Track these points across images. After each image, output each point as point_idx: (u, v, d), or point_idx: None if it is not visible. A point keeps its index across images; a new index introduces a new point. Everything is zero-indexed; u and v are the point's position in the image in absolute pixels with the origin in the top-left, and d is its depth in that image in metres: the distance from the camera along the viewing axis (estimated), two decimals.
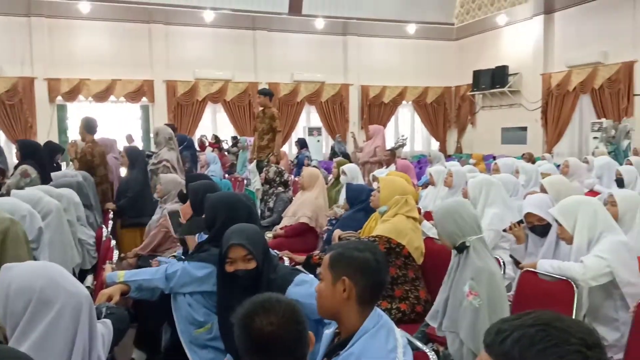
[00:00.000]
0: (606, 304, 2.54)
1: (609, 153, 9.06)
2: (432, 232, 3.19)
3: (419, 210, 4.81)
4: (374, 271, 1.58)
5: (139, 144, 12.00)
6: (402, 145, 12.34)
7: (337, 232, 3.54)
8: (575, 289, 2.44)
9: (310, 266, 2.91)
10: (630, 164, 5.97)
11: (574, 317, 2.42)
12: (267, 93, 6.88)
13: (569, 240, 2.63)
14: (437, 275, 2.74)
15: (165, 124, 7.10)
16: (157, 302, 2.47)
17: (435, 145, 16.30)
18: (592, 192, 5.38)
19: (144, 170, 5.25)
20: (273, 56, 14.15)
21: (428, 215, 4.66)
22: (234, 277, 2.04)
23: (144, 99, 13.26)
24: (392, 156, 7.24)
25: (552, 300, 2.53)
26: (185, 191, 3.70)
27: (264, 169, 5.35)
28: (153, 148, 6.32)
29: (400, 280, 2.82)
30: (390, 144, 12.79)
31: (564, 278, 2.50)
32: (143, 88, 13.05)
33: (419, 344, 1.73)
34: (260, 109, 6.88)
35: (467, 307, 2.23)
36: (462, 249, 2.35)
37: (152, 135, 8.33)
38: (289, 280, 2.03)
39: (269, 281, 2.03)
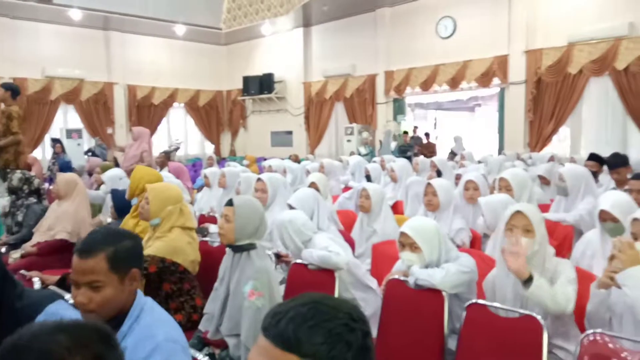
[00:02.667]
0: (348, 284, 2.89)
1: (366, 155, 10.35)
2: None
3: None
4: (141, 249, 1.63)
5: None
6: (177, 149, 12.00)
7: None
8: (335, 274, 2.72)
9: (66, 286, 2.57)
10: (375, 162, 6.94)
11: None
12: (9, 88, 5.85)
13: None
14: (212, 278, 2.72)
15: None
16: None
17: (210, 148, 16.33)
18: (347, 188, 6.08)
19: None
20: (18, 48, 12.25)
21: (203, 218, 4.64)
22: None
23: None
24: (165, 159, 6.94)
25: (318, 286, 2.75)
26: None
27: (7, 177, 4.53)
28: None
29: (175, 294, 2.69)
30: (164, 147, 12.31)
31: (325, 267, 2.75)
32: None
33: (192, 350, 1.67)
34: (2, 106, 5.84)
35: (249, 307, 2.18)
36: (244, 249, 2.32)
37: None
38: (39, 308, 1.73)
39: (13, 311, 1.71)
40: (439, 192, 3.64)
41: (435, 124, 17.30)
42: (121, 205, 3.66)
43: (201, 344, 2.47)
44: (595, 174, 4.73)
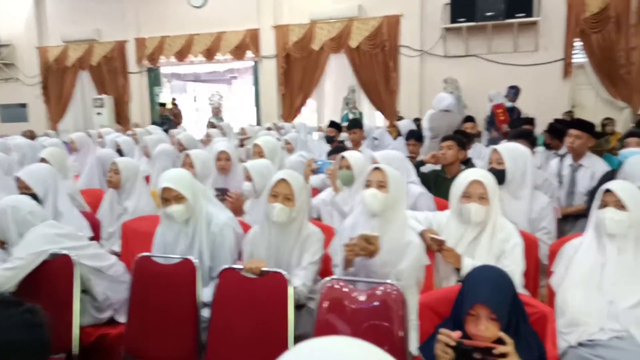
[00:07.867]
0: (89, 273, 2.66)
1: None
2: None
3: None
4: None
5: None
6: None
7: None
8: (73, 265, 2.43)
9: None
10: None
11: None
12: None
13: None
14: None
15: None
16: None
17: None
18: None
19: None
20: None
21: None
22: None
23: None
24: None
25: (53, 279, 2.41)
26: None
27: None
28: None
29: None
30: None
31: None
32: None
33: None
34: None
35: None
36: None
37: None
38: None
39: None
40: (196, 162, 3.60)
41: (195, 97, 17.04)
42: None
43: None
44: (333, 138, 5.33)
